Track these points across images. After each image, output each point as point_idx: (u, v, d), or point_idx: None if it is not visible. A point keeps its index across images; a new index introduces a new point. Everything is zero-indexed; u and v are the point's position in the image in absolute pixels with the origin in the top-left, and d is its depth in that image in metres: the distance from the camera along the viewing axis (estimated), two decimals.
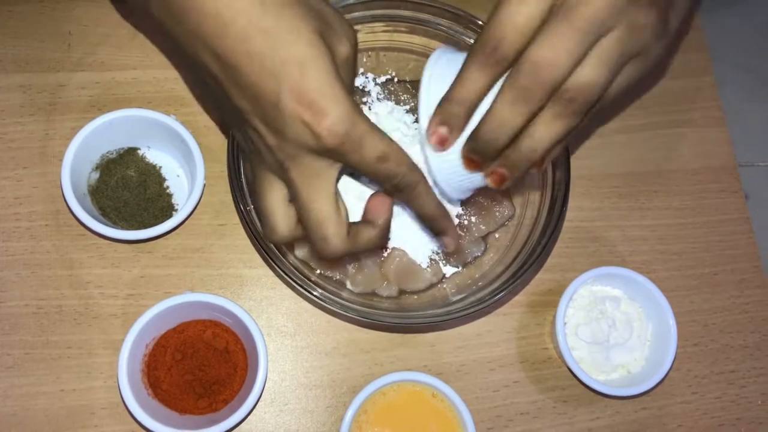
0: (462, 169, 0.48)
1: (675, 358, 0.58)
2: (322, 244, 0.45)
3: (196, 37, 0.41)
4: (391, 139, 0.43)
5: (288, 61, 0.40)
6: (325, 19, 0.42)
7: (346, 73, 0.44)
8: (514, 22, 0.42)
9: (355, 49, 0.45)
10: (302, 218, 0.45)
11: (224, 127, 0.62)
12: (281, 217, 0.46)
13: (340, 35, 0.43)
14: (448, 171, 0.49)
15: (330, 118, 0.40)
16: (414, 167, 0.45)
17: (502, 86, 0.44)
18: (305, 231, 0.46)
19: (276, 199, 0.46)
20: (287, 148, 0.42)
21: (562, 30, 0.41)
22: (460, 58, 0.46)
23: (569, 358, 0.57)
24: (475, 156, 0.46)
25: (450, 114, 0.45)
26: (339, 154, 0.42)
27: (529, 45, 0.42)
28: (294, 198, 0.44)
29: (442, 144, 0.47)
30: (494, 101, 0.44)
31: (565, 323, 0.59)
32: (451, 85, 0.45)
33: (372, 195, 0.48)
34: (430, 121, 0.46)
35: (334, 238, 0.45)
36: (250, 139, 0.44)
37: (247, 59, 0.40)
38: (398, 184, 0.45)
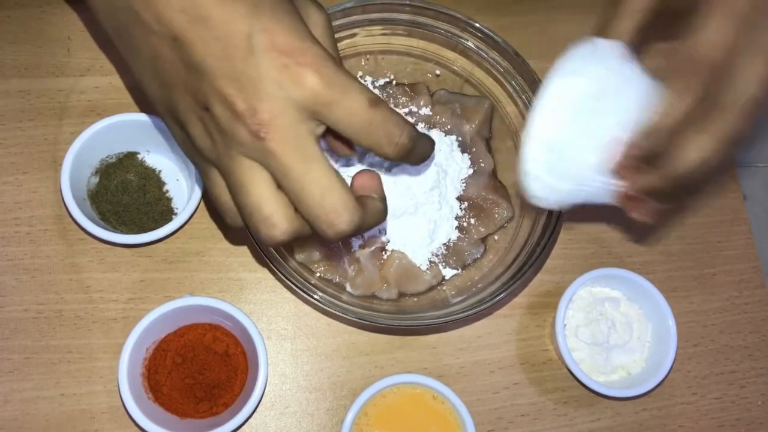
0: (595, 176, 0.44)
1: (675, 359, 0.58)
2: (332, 219, 0.38)
3: (147, 6, 0.37)
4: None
5: (259, 4, 0.36)
6: None
7: (323, 39, 0.40)
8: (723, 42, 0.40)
9: (328, 21, 0.42)
10: (300, 197, 0.38)
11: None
12: (278, 206, 0.38)
13: (308, 6, 0.40)
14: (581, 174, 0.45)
15: (313, 60, 0.36)
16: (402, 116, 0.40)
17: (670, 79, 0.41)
18: (307, 212, 0.38)
19: (263, 185, 0.38)
20: (263, 109, 0.36)
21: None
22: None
23: (569, 360, 0.57)
24: (637, 162, 0.42)
25: (654, 153, 0.42)
26: (326, 105, 0.36)
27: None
28: (283, 175, 0.37)
29: (627, 177, 0.43)
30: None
31: (565, 325, 0.60)
32: (658, 117, 0.42)
33: (356, 174, 0.42)
34: (628, 148, 0.43)
35: (345, 210, 0.38)
36: (213, 118, 0.37)
37: (217, 7, 0.36)
38: (401, 141, 0.39)
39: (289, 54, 0.36)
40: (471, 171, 0.61)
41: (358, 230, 0.40)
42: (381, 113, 0.38)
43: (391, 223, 0.58)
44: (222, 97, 0.36)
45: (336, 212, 0.38)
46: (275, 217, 0.38)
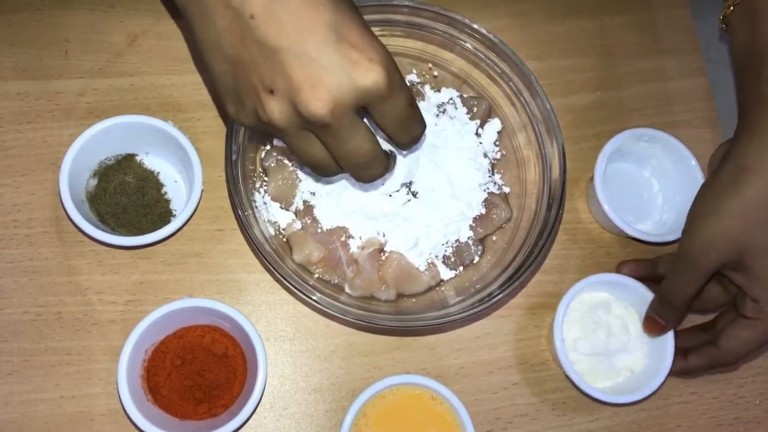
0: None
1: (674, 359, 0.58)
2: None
3: None
4: None
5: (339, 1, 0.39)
6: None
7: None
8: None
9: None
10: (347, 161, 0.44)
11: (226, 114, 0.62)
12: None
13: None
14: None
15: (380, 58, 0.39)
16: None
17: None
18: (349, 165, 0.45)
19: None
20: (329, 99, 0.39)
21: None
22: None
23: (573, 374, 0.57)
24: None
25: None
26: (382, 99, 0.40)
27: None
28: (337, 147, 0.43)
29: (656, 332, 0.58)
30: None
31: (563, 340, 0.59)
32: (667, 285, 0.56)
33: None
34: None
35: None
36: (275, 100, 0.40)
37: None
38: (416, 134, 0.45)
39: (361, 49, 0.39)
40: None
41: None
42: (414, 111, 0.44)
43: (393, 222, 0.58)
44: (289, 83, 0.39)
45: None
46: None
